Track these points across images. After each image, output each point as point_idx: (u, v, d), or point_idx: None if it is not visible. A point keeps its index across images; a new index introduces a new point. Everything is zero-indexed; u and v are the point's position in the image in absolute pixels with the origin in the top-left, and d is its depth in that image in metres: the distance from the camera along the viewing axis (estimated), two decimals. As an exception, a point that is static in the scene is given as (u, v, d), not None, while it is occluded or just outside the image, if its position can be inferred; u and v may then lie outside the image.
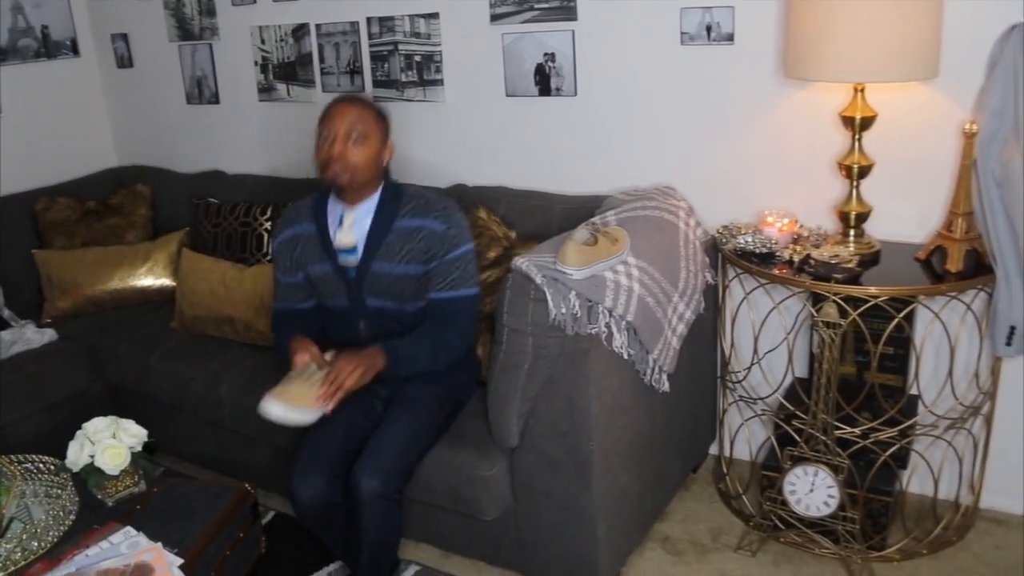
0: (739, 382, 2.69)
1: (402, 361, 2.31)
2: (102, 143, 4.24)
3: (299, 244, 2.46)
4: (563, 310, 2.11)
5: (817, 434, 2.39)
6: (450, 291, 2.34)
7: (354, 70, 3.38)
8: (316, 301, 2.52)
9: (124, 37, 4.02)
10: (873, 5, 2.10)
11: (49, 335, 3.21)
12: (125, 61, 4.06)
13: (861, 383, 2.49)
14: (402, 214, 2.36)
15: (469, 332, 2.41)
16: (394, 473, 2.20)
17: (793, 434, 2.47)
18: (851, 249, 2.40)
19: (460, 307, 2.35)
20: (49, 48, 3.96)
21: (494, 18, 3.00)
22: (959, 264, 2.28)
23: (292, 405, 2.17)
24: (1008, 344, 2.30)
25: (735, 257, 2.49)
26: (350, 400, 2.25)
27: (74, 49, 4.07)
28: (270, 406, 2.16)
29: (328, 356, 2.32)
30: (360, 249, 2.38)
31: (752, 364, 2.64)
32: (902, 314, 2.27)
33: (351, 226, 2.37)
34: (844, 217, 2.46)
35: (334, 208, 2.42)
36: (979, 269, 2.29)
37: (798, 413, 2.47)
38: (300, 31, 3.48)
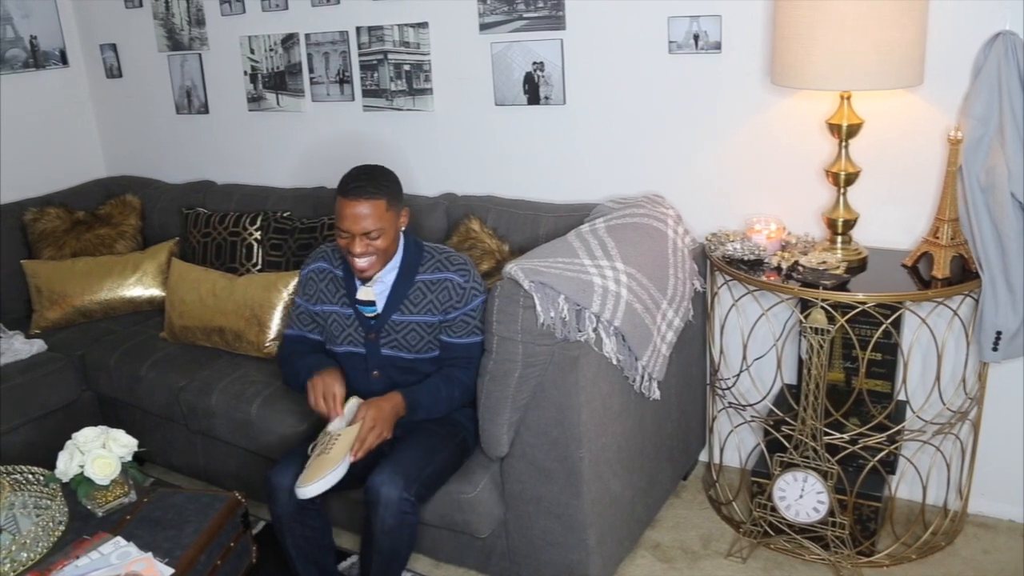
0: (728, 389, 2.69)
1: (421, 409, 2.36)
2: (91, 153, 4.23)
3: (326, 279, 2.51)
4: (551, 314, 2.12)
5: (806, 440, 2.40)
6: (469, 337, 2.40)
7: (344, 79, 3.39)
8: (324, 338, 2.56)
9: (113, 47, 4.02)
10: (858, 13, 2.12)
11: (38, 346, 3.19)
12: (114, 71, 4.06)
13: (849, 389, 2.50)
14: (423, 269, 2.43)
15: (476, 375, 2.40)
16: (411, 481, 2.19)
17: (782, 440, 2.48)
18: (839, 256, 2.41)
19: (475, 352, 2.39)
20: (38, 58, 3.96)
21: (483, 27, 3.02)
22: (945, 270, 2.30)
23: (320, 476, 2.15)
24: (994, 349, 2.32)
25: (724, 264, 2.50)
26: None
27: (63, 59, 4.07)
28: (306, 492, 2.15)
29: (353, 402, 2.33)
30: (381, 304, 2.43)
31: (741, 371, 2.65)
32: (889, 320, 2.28)
33: (373, 284, 2.40)
34: (831, 224, 2.48)
35: None
36: (965, 275, 2.31)
37: (787, 419, 2.48)
38: (289, 41, 3.48)
